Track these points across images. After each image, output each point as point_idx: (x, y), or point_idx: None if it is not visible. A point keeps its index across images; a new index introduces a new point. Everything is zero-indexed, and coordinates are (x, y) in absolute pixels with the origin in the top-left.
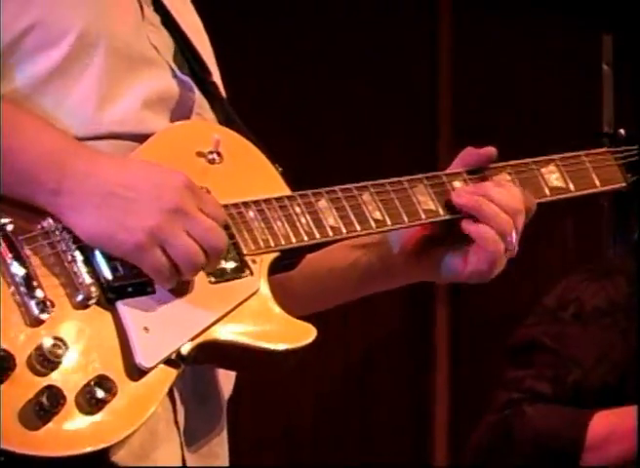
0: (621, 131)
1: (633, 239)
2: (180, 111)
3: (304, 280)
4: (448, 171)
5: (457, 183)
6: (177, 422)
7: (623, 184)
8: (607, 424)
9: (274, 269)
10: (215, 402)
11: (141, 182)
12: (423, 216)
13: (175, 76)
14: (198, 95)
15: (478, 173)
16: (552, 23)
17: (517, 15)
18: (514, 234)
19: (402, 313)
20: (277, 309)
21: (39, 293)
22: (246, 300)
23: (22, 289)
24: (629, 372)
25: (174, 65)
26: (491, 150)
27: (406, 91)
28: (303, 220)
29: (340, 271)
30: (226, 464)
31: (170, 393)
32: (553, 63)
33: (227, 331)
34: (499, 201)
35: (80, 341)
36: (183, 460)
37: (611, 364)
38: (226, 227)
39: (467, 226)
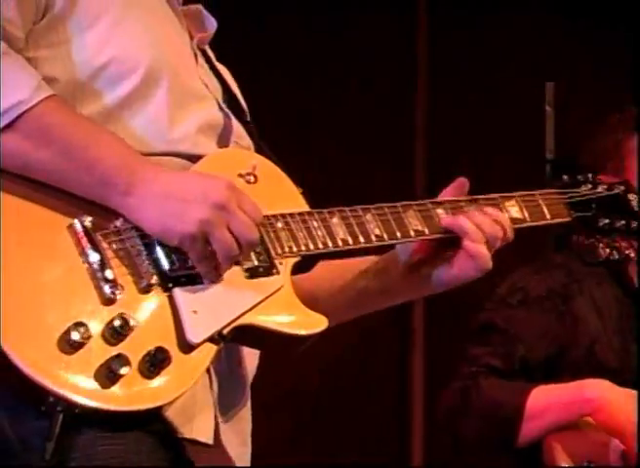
0: (565, 177)
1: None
2: (223, 137)
3: (317, 292)
4: (433, 199)
5: (439, 210)
6: (212, 389)
7: (568, 219)
8: (546, 396)
9: (294, 270)
10: (242, 374)
11: (193, 186)
12: (413, 234)
13: (220, 109)
14: (236, 125)
15: (456, 203)
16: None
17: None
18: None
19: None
20: (297, 302)
21: (112, 278)
22: (273, 294)
23: (99, 274)
24: (565, 347)
25: (219, 100)
26: (462, 181)
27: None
28: (320, 233)
29: (341, 293)
30: (250, 424)
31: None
32: (506, 108)
33: (258, 318)
34: (478, 223)
35: (143, 319)
36: (216, 419)
37: (549, 340)
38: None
39: (467, 244)
